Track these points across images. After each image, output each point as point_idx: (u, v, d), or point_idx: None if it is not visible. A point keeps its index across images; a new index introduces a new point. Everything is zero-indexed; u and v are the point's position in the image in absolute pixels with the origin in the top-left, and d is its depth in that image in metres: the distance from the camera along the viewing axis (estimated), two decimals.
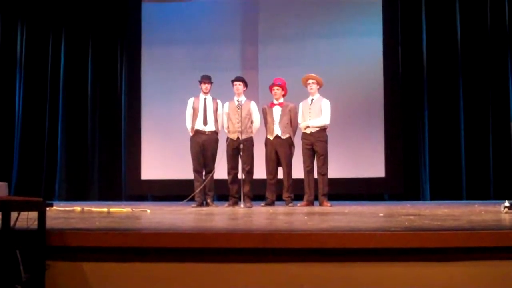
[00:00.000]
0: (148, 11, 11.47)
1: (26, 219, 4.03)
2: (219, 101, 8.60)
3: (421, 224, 4.47)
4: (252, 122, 8.47)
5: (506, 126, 8.22)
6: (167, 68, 11.20)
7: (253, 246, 3.74)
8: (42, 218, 3.89)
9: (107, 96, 11.46)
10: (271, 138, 8.43)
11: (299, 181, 8.40)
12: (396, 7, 10.52)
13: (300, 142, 8.43)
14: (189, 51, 11.14)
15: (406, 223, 4.57)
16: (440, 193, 9.95)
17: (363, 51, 10.54)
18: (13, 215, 3.94)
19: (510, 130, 6.26)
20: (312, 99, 8.42)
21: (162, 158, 10.91)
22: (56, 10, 11.59)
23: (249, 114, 8.44)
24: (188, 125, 8.55)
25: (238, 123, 8.31)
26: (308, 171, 8.33)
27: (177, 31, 11.25)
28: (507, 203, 5.95)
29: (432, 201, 9.66)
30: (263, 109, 8.61)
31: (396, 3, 10.53)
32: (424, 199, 10.02)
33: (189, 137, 8.58)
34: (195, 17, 11.23)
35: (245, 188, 8.19)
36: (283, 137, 8.38)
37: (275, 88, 8.46)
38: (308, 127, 8.32)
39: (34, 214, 3.95)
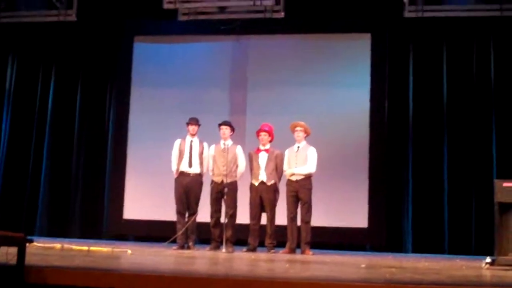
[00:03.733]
0: (139, 50, 11.55)
1: (5, 253, 3.99)
2: (205, 144, 8.64)
3: (402, 277, 4.47)
4: (237, 166, 8.49)
5: (489, 182, 8.29)
6: (155, 108, 11.23)
7: None
8: (21, 254, 3.86)
9: (94, 133, 11.44)
10: (256, 183, 8.43)
11: (282, 228, 8.38)
12: (384, 60, 10.68)
13: (285, 189, 8.43)
14: (178, 93, 11.19)
15: (387, 275, 4.57)
16: (422, 246, 9.94)
17: (350, 102, 10.64)
18: None
19: (493, 185, 6.29)
20: (298, 147, 8.46)
21: (145, 198, 10.83)
22: (47, 47, 11.66)
23: (235, 158, 8.47)
24: (173, 167, 8.57)
25: (223, 166, 8.32)
26: (292, 218, 8.32)
27: (167, 73, 11.31)
28: (488, 259, 5.96)
29: (414, 254, 9.66)
30: (249, 154, 8.63)
31: (384, 57, 10.69)
32: (406, 251, 9.99)
33: (173, 179, 8.58)
34: (186, 60, 11.33)
35: (228, 233, 8.14)
36: (268, 183, 8.39)
37: (262, 133, 8.50)
38: (293, 174, 8.34)
39: (13, 250, 3.91)
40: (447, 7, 9.91)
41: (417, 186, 10.27)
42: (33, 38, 11.70)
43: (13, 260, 3.89)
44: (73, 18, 10.81)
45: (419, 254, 9.38)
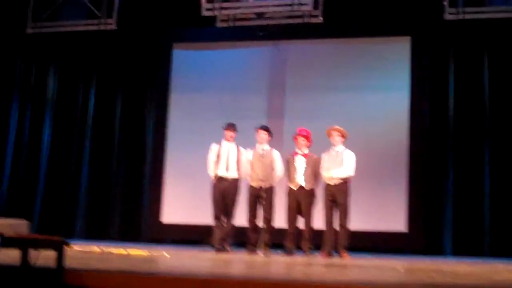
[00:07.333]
0: (178, 57, 11.68)
1: (44, 257, 4.07)
2: (242, 149, 8.64)
3: (442, 281, 4.42)
4: (274, 171, 8.49)
5: None
6: (194, 114, 11.33)
7: None
8: (60, 257, 3.93)
9: (133, 139, 11.60)
10: (294, 188, 8.41)
11: (319, 232, 8.35)
12: (424, 64, 10.56)
13: (322, 193, 8.40)
14: (216, 98, 11.26)
15: (426, 279, 4.52)
16: (463, 249, 9.79)
17: (389, 106, 10.56)
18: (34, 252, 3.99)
19: None
20: (336, 151, 8.43)
21: (183, 202, 10.93)
22: (88, 55, 11.88)
23: (272, 163, 8.47)
24: (211, 172, 8.59)
25: (260, 171, 8.33)
26: (329, 222, 8.28)
27: (206, 79, 11.39)
28: None
29: (454, 257, 9.52)
30: (287, 158, 8.60)
31: (424, 60, 10.57)
32: (445, 254, 9.86)
33: (211, 183, 8.62)
34: (225, 65, 11.41)
35: (265, 237, 8.15)
36: (306, 188, 8.36)
37: (300, 138, 8.48)
38: (332, 178, 8.31)
39: (53, 253, 3.99)
40: (489, 9, 9.77)
41: (457, 188, 10.11)
42: (74, 47, 11.92)
43: (52, 263, 3.96)
44: (113, 26, 11.00)
45: (459, 258, 9.24)
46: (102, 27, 11.19)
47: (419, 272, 5.40)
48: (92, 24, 11.21)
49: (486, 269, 6.23)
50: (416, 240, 10.09)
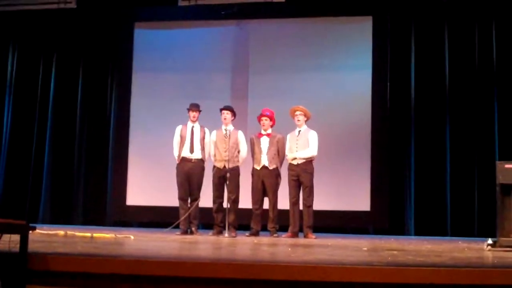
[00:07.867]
0: (140, 37, 11.52)
1: (8, 241, 4.01)
2: (206, 129, 8.64)
3: (404, 260, 4.48)
4: (239, 152, 8.49)
5: (491, 163, 8.28)
6: (157, 94, 11.21)
7: (236, 276, 3.73)
8: (24, 241, 3.87)
9: (96, 120, 11.45)
10: (258, 168, 8.44)
11: (285, 212, 8.39)
12: (386, 43, 10.63)
13: (287, 173, 8.44)
14: (179, 78, 11.18)
15: (389, 258, 4.58)
16: (425, 229, 9.96)
17: (352, 85, 10.60)
18: None
19: (495, 168, 6.30)
20: (299, 131, 8.46)
21: (148, 184, 10.86)
22: (48, 35, 11.63)
23: (236, 144, 8.47)
24: (175, 153, 8.58)
25: (225, 152, 8.32)
26: (294, 202, 8.33)
27: (168, 58, 11.29)
28: (490, 241, 5.98)
29: (416, 237, 9.67)
30: (250, 139, 8.63)
31: (386, 39, 10.63)
32: (408, 234, 10.01)
33: (175, 165, 8.59)
34: (187, 45, 11.30)
35: (230, 218, 8.17)
36: (270, 168, 8.39)
37: (263, 118, 8.49)
38: (295, 158, 8.35)
39: (16, 237, 3.92)
40: None
41: (419, 168, 10.26)
42: (34, 26, 11.67)
43: (16, 247, 3.90)
44: (73, 5, 10.82)
45: (421, 237, 9.39)
46: (62, 6, 10.98)
47: (383, 251, 5.47)
48: (52, 3, 10.99)
49: (448, 248, 6.34)
50: (379, 220, 10.21)
